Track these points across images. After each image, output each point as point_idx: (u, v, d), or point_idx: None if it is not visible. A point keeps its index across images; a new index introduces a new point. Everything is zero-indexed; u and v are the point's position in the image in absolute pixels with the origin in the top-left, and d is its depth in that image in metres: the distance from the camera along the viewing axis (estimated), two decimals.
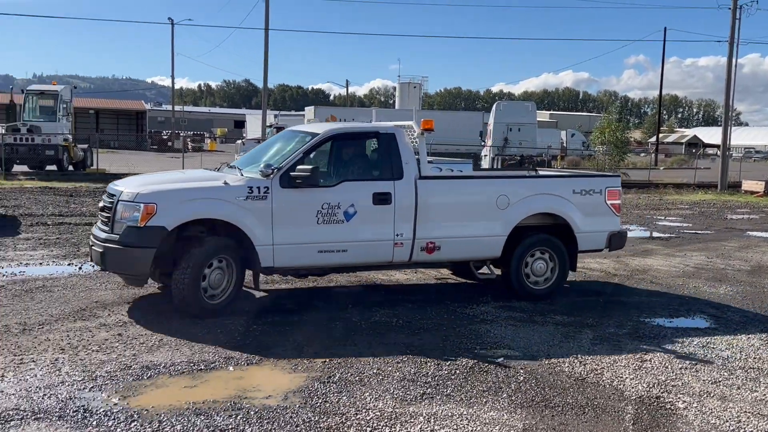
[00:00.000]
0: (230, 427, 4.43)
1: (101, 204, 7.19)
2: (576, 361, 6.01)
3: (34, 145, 26.27)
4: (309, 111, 43.77)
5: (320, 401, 4.92)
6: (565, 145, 50.35)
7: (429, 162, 8.07)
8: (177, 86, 73.71)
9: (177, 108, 64.19)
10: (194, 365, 5.57)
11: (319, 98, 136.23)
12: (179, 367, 5.50)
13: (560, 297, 8.31)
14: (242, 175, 7.11)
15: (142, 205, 6.52)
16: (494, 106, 37.53)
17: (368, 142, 7.70)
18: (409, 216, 7.32)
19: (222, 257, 6.79)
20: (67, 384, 5.06)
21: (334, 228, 7.05)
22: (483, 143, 37.39)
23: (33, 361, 5.53)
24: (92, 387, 5.04)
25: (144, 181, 7.21)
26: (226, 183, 6.85)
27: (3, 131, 26.82)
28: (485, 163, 34.39)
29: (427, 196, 7.41)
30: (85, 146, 30.87)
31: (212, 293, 6.79)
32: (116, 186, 7.18)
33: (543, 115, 77.61)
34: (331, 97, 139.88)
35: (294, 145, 7.45)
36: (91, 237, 7.20)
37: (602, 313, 7.75)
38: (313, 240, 7.01)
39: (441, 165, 8.43)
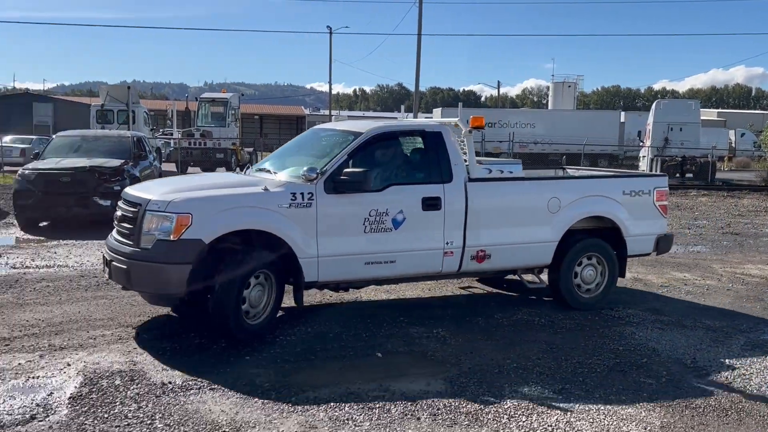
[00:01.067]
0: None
1: (118, 213, 6.43)
2: (723, 365, 5.91)
3: (206, 149, 28.46)
4: (436, 113, 43.58)
5: (460, 389, 5.21)
6: (733, 145, 47.16)
7: (478, 163, 7.67)
8: (333, 92, 76.49)
9: (333, 113, 66.77)
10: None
11: (470, 100, 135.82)
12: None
13: (713, 299, 8.08)
14: (278, 179, 6.52)
15: (175, 215, 5.79)
16: (654, 105, 35.88)
17: (414, 142, 7.19)
18: (459, 222, 6.82)
19: (262, 272, 6.13)
20: None
21: (382, 237, 6.50)
22: (641, 143, 35.95)
23: None
24: None
25: (172, 188, 6.40)
26: (266, 189, 6.16)
27: (179, 136, 29.42)
28: (643, 165, 33.04)
29: (478, 200, 6.91)
30: (251, 149, 32.99)
31: (252, 312, 6.14)
32: (137, 193, 6.37)
33: (710, 114, 72.84)
34: (483, 99, 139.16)
35: (334, 146, 6.85)
36: (106, 250, 6.39)
37: (758, 319, 7.46)
38: (360, 251, 6.43)
39: (490, 165, 7.71)
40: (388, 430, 4.47)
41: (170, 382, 5.14)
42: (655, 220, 7.92)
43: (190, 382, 5.16)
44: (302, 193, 6.19)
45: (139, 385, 5.07)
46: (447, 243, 6.79)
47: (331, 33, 56.54)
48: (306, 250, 6.18)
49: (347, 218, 6.38)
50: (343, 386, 5.15)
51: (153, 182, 7.33)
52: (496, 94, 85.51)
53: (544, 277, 7.78)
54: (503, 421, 4.66)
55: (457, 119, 7.67)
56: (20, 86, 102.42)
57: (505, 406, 4.89)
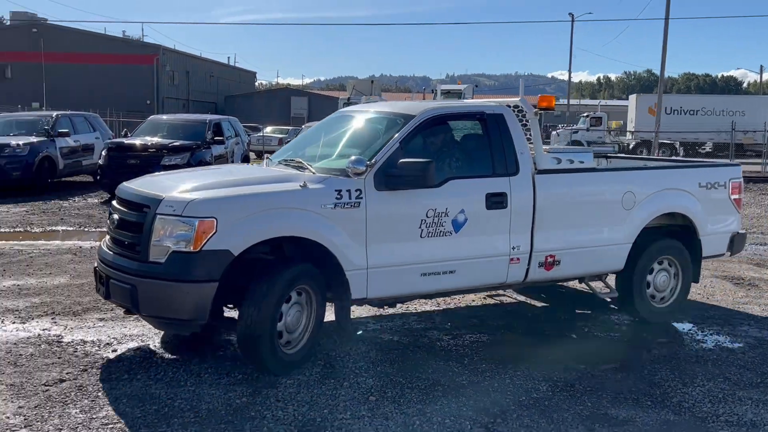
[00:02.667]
0: None
1: (115, 217, 5.17)
2: None
3: None
4: (632, 99, 40.02)
5: (649, 374, 5.17)
6: None
7: (546, 152, 6.45)
8: (576, 80, 74.54)
9: (573, 102, 65.01)
10: None
11: (729, 86, 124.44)
12: None
13: None
14: (315, 173, 5.30)
15: (196, 220, 4.59)
16: None
17: (472, 127, 6.06)
18: (526, 222, 5.75)
19: (300, 289, 5.00)
20: None
21: (441, 242, 5.39)
22: None
23: None
24: None
25: (188, 184, 5.13)
26: (305, 185, 5.02)
27: None
28: None
29: (547, 196, 5.82)
30: None
31: (288, 339, 4.99)
32: (143, 190, 5.12)
33: None
34: (744, 85, 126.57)
35: (378, 132, 5.75)
36: (99, 264, 5.22)
37: None
38: (416, 259, 5.33)
39: (559, 154, 6.49)
40: None
41: None
42: (730, 216, 6.96)
43: None
44: (349, 191, 5.03)
45: None
46: (513, 248, 5.71)
47: (572, 20, 55.00)
48: (353, 260, 5.06)
49: (401, 220, 5.27)
50: None
51: (162, 176, 6.11)
52: (759, 80, 77.36)
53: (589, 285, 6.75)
54: None
55: (518, 99, 6.47)
56: (282, 82, 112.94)
57: (693, 393, 4.70)
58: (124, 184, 5.47)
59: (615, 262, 6.31)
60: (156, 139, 15.54)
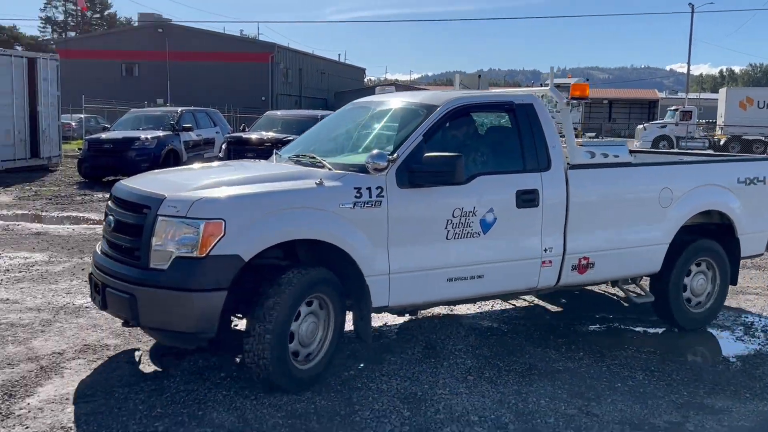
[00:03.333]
0: None
1: (110, 218, 4.74)
2: None
3: None
4: (722, 93, 37.21)
5: (750, 367, 4.72)
6: None
7: (579, 145, 5.89)
8: (697, 72, 71.32)
9: (692, 95, 62.24)
10: None
11: None
12: None
13: None
14: (330, 168, 4.86)
15: (202, 222, 4.15)
16: None
17: (500, 118, 5.65)
18: (559, 222, 5.34)
19: (315, 297, 4.55)
20: None
21: (469, 244, 4.98)
22: None
23: None
24: None
25: (192, 182, 4.70)
26: (321, 183, 4.57)
27: None
28: None
29: (581, 193, 5.43)
30: (593, 134, 32.81)
31: (304, 353, 4.56)
32: (142, 188, 4.67)
33: None
34: None
35: (399, 124, 5.36)
36: (94, 269, 4.77)
37: None
38: (441, 263, 4.91)
39: (592, 148, 5.96)
40: None
41: None
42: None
43: None
44: (369, 188, 4.60)
45: None
46: (545, 250, 5.30)
47: (692, 11, 52.74)
48: (374, 264, 4.63)
49: (426, 220, 4.85)
50: None
51: (163, 173, 5.67)
52: None
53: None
54: None
55: (548, 88, 6.01)
56: (390, 78, 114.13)
57: None
58: (122, 182, 5.07)
59: (651, 264, 5.92)
60: (271, 134, 16.31)
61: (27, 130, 19.00)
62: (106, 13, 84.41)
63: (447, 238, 4.90)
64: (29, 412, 4.20)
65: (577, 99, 5.79)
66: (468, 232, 4.96)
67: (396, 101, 5.76)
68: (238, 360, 4.94)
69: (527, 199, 5.17)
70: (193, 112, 19.71)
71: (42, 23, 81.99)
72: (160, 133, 17.43)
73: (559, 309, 6.78)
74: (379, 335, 5.73)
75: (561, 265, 5.42)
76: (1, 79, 18.19)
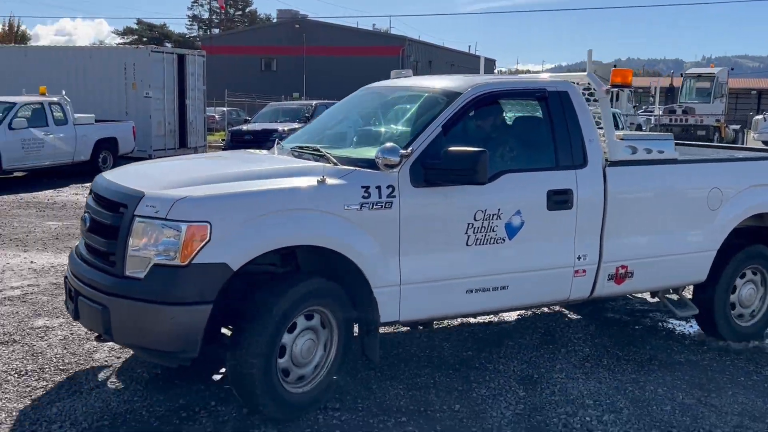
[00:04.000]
0: None
1: (86, 216, 4.23)
2: None
3: (687, 125, 27.87)
4: None
5: None
6: None
7: (619, 139, 5.07)
8: None
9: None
10: None
11: None
12: None
13: None
14: (335, 162, 4.21)
15: (184, 225, 3.60)
16: None
17: (530, 108, 5.04)
18: (595, 226, 4.72)
19: (315, 311, 4.01)
20: None
21: (492, 251, 4.36)
22: None
23: None
24: None
25: (176, 177, 4.17)
26: (323, 180, 3.97)
27: (660, 113, 29.35)
28: None
29: (620, 193, 4.80)
30: (737, 126, 31.00)
31: (298, 373, 4.01)
32: (120, 182, 4.13)
33: None
34: None
35: (415, 113, 4.76)
36: (70, 275, 4.22)
37: None
38: (460, 273, 4.31)
39: (635, 142, 5.12)
40: None
41: None
42: None
43: None
44: (379, 187, 4.02)
45: None
46: (579, 257, 4.69)
47: None
48: (383, 274, 4.07)
49: (444, 224, 4.26)
50: None
51: (147, 164, 5.12)
52: None
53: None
54: None
55: (584, 73, 5.37)
56: (521, 68, 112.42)
57: None
58: (103, 174, 4.56)
59: (697, 273, 5.29)
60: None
61: (176, 122, 20.52)
62: (247, 10, 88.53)
63: (467, 245, 4.29)
64: None
65: (618, 86, 5.14)
66: (491, 238, 4.36)
67: (414, 87, 5.17)
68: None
69: (560, 200, 4.56)
70: (327, 105, 20.53)
71: (189, 21, 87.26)
72: (296, 125, 18.32)
73: None
74: (498, 322, 5.91)
75: (596, 275, 4.82)
76: (155, 75, 19.73)
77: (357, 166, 4.15)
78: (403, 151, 4.05)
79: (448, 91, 4.61)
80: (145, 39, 66.27)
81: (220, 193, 3.82)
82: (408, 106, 4.97)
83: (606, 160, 4.82)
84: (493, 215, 4.33)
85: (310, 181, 3.96)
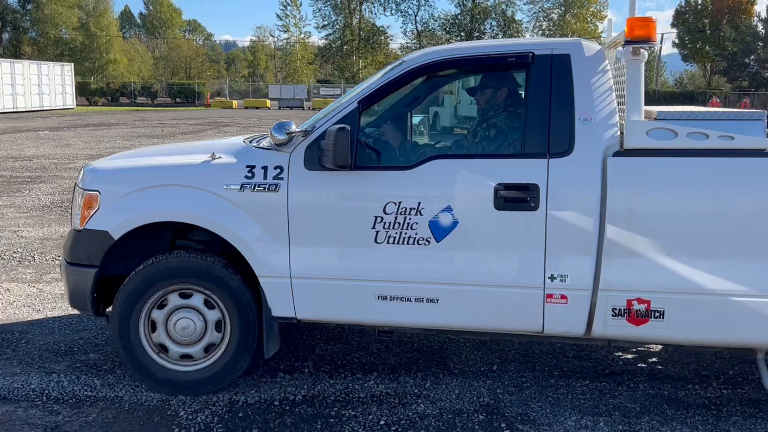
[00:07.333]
0: None
1: None
2: None
3: None
4: None
5: None
6: None
7: (653, 118, 3.67)
8: None
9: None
10: None
11: None
12: None
13: None
14: (239, 144, 4.23)
15: (84, 192, 3.98)
16: None
17: (509, 79, 4.06)
18: (582, 236, 3.52)
19: (190, 289, 3.90)
20: None
21: (412, 253, 3.66)
22: None
23: None
24: None
25: (121, 155, 4.65)
26: (212, 158, 3.89)
27: None
28: None
29: (634, 195, 3.49)
30: None
31: (179, 351, 3.94)
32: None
33: None
34: None
35: (357, 89, 4.05)
36: None
37: None
38: (367, 274, 3.72)
39: (678, 123, 3.53)
40: None
41: None
42: None
43: None
44: (265, 167, 3.74)
45: None
46: (552, 277, 3.57)
47: None
48: (269, 263, 3.78)
49: (343, 215, 3.73)
50: None
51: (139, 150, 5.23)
52: None
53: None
54: None
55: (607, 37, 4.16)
56: None
57: None
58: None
59: None
60: None
61: None
62: None
63: (376, 242, 3.69)
64: None
65: (638, 42, 3.50)
66: (410, 237, 3.66)
67: (407, 57, 4.09)
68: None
69: (515, 197, 3.56)
70: None
71: None
72: None
73: None
74: None
75: (592, 305, 3.59)
76: None
77: (251, 145, 4.08)
78: (293, 129, 3.72)
79: (403, 59, 4.01)
80: None
81: (115, 165, 4.14)
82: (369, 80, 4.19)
83: (619, 145, 3.58)
84: (411, 209, 3.64)
85: (201, 158, 3.92)
